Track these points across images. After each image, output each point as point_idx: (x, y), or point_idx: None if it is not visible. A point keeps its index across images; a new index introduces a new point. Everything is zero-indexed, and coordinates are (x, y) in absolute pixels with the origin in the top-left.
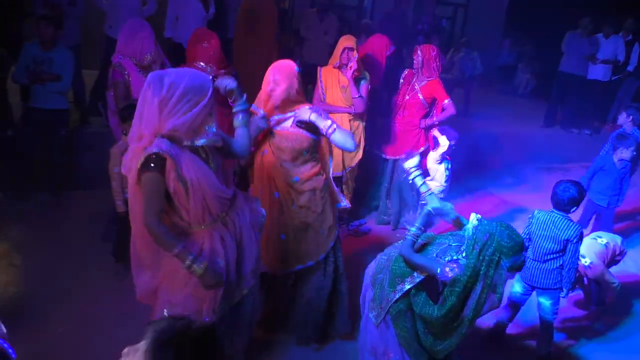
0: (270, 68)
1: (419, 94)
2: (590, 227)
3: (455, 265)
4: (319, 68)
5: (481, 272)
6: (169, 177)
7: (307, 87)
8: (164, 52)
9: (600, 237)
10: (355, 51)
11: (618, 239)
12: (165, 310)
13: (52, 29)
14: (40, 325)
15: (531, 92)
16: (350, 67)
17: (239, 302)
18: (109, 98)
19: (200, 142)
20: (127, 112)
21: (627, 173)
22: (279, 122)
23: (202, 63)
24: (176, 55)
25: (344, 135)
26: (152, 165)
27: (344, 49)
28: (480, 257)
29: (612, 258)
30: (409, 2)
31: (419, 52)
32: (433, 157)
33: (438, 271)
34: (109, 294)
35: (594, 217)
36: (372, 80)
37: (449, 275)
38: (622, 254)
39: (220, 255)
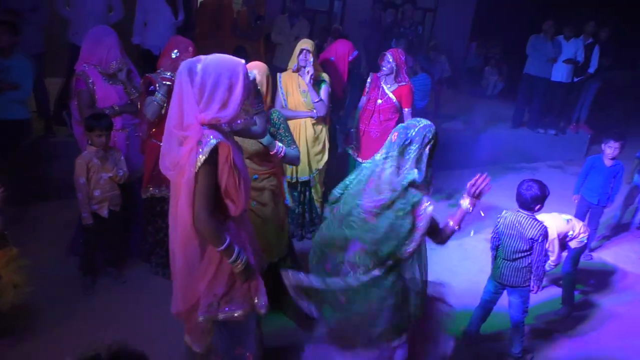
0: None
1: (392, 98)
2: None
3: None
4: (278, 74)
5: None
6: (224, 168)
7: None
8: (132, 59)
9: (565, 215)
10: (312, 54)
11: (583, 224)
12: (214, 309)
13: (7, 35)
14: (5, 341)
15: (499, 94)
16: (308, 72)
17: None
18: (72, 107)
19: (238, 124)
20: (92, 121)
21: (619, 172)
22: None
23: (169, 73)
24: (145, 61)
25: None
26: (211, 157)
27: (302, 50)
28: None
29: (570, 235)
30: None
31: (389, 58)
32: None
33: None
34: (76, 309)
35: (588, 214)
36: (334, 85)
37: None
38: (579, 236)
39: (246, 245)
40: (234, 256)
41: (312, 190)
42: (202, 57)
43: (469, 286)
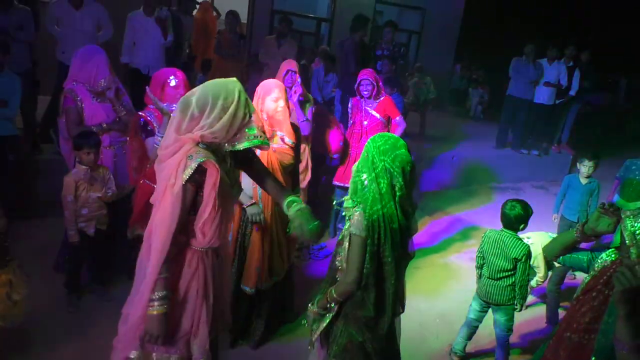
0: (269, 86)
1: (375, 115)
2: None
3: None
4: None
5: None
6: (208, 185)
7: None
8: (120, 78)
9: (552, 233)
10: (298, 74)
11: None
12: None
13: None
14: None
15: (483, 115)
16: (295, 92)
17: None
18: (60, 125)
19: (242, 145)
20: (80, 139)
21: (595, 190)
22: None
23: (169, 104)
24: (133, 80)
25: None
26: (195, 175)
27: (288, 71)
28: (372, 173)
29: None
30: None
31: (369, 80)
32: None
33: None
34: (62, 326)
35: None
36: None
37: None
38: None
39: (209, 282)
40: (155, 294)
41: None
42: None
43: (454, 305)
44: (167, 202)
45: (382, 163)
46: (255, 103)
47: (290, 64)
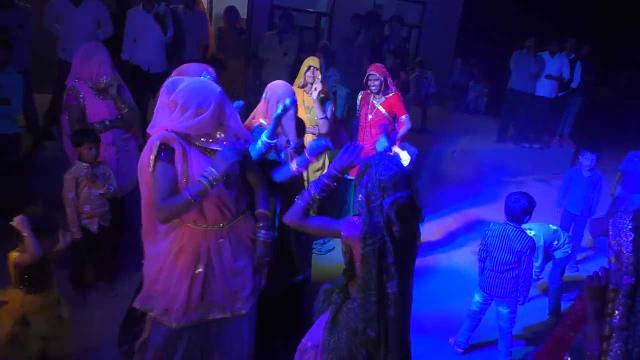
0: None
1: (381, 110)
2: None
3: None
4: None
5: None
6: (177, 168)
7: None
8: (121, 75)
9: (552, 225)
10: (319, 71)
11: (567, 235)
12: (138, 301)
13: (1, 52)
14: None
15: (484, 109)
16: (316, 89)
17: (212, 328)
18: (63, 122)
19: (213, 146)
20: (80, 136)
21: (597, 183)
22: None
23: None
24: (133, 77)
25: None
26: (162, 154)
27: (310, 67)
28: (366, 206)
29: (555, 244)
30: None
31: (377, 75)
32: None
33: (342, 230)
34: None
35: (572, 225)
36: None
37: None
38: (563, 247)
39: (202, 259)
40: (205, 176)
41: None
42: (187, 78)
43: (457, 298)
44: (147, 183)
45: (380, 200)
46: (263, 104)
47: (312, 61)
